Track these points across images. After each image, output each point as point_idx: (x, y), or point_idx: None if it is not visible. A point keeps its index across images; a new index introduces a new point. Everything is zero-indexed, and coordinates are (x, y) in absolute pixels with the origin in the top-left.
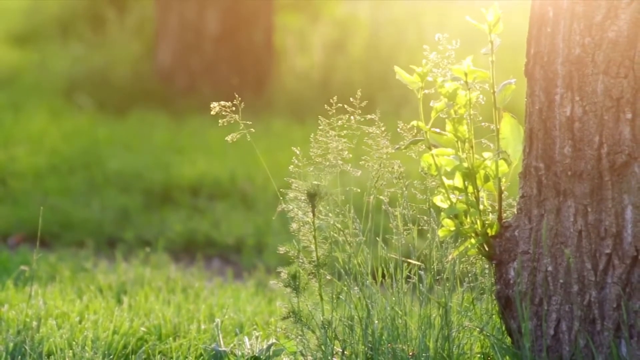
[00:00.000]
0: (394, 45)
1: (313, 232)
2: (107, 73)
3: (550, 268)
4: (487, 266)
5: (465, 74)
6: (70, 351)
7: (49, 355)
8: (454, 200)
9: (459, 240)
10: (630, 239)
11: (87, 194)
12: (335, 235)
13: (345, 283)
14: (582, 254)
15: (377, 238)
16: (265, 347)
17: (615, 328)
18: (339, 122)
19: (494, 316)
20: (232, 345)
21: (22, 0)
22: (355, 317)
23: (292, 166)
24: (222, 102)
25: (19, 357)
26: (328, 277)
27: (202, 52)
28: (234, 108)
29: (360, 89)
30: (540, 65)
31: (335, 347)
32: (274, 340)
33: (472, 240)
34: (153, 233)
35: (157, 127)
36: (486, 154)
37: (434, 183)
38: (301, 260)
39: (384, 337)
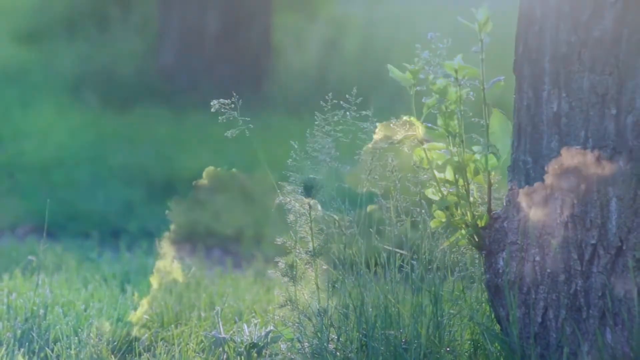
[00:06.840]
0: (388, 43)
1: (309, 224)
2: (111, 71)
3: (537, 258)
4: (477, 256)
5: (456, 71)
6: (76, 338)
7: (55, 342)
8: (445, 192)
9: (450, 231)
10: (614, 229)
11: (92, 187)
12: (331, 226)
13: (341, 272)
14: (569, 245)
15: (370, 229)
16: (263, 334)
17: (600, 316)
18: (335, 117)
19: (483, 304)
20: (231, 332)
21: None
22: (350, 305)
23: (289, 160)
24: (222, 100)
25: (27, 343)
26: (324, 266)
27: (203, 51)
28: (233, 105)
29: (355, 86)
30: (528, 62)
31: (330, 333)
32: (272, 328)
33: (463, 231)
34: (156, 224)
35: (160, 122)
36: (476, 148)
37: (425, 176)
38: (298, 251)
39: (377, 325)
